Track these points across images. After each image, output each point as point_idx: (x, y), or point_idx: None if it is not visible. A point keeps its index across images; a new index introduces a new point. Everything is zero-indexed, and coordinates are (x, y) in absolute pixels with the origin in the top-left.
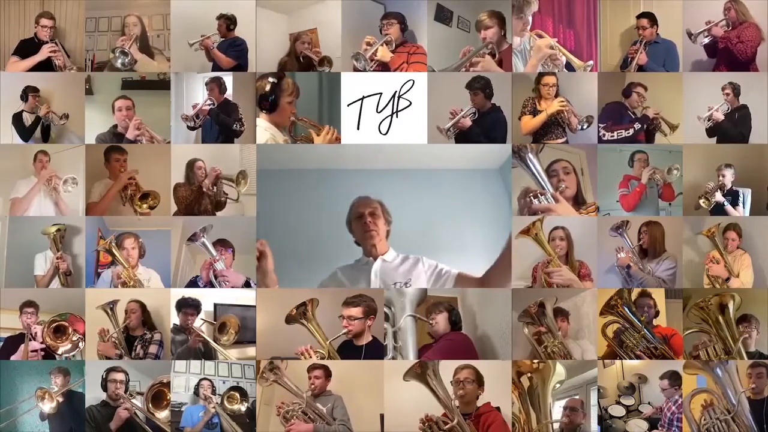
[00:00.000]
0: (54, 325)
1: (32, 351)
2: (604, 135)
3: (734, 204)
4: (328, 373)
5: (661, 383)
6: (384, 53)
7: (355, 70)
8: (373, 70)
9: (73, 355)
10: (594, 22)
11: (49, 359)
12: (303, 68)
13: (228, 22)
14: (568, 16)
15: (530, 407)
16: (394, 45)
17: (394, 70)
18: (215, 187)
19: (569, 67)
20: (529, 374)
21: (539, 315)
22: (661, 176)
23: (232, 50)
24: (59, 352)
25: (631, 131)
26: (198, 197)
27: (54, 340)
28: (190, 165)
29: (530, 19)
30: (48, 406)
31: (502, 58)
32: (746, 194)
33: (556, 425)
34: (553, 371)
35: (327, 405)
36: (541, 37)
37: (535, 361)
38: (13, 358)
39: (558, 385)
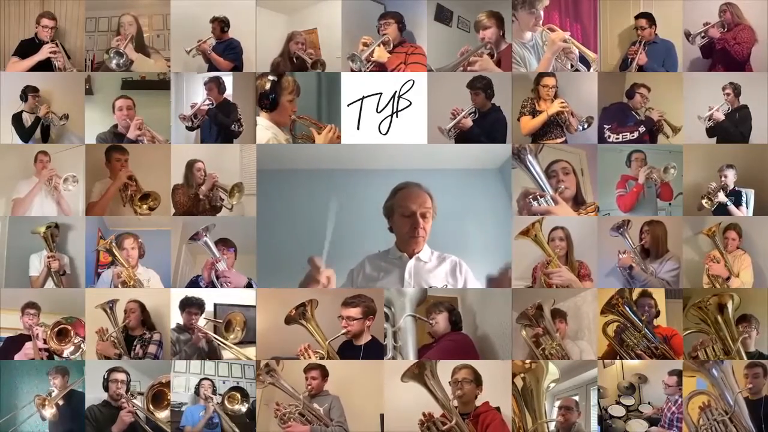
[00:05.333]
0: (57, 328)
1: (39, 349)
2: (609, 137)
3: (737, 204)
4: (324, 374)
5: (669, 379)
6: (381, 54)
7: (352, 71)
8: (370, 71)
9: (76, 356)
10: (595, 20)
11: (49, 359)
12: (296, 69)
13: (222, 24)
14: (574, 11)
15: (525, 407)
16: (391, 45)
17: (392, 71)
18: (211, 193)
19: (583, 60)
20: (522, 375)
21: (537, 317)
22: (658, 175)
23: (230, 52)
24: (64, 355)
25: (636, 134)
26: (196, 203)
27: (58, 343)
28: (190, 166)
29: (542, 13)
30: (48, 412)
31: (501, 57)
32: (749, 195)
33: (551, 424)
34: (546, 371)
35: (324, 405)
36: (553, 31)
37: (527, 361)
38: (17, 357)
39: (552, 385)
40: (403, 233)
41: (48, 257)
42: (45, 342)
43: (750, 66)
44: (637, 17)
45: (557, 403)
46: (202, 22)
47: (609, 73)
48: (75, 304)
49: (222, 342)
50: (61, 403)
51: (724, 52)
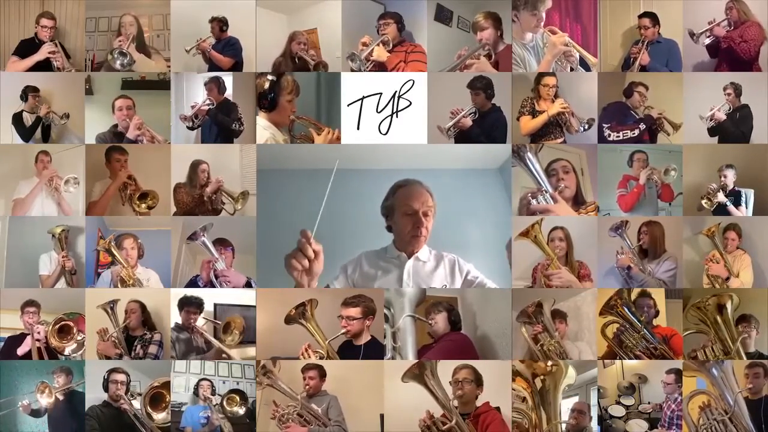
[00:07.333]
0: (58, 325)
1: (38, 348)
2: (609, 135)
3: (737, 204)
4: (322, 374)
5: (667, 377)
6: (380, 53)
7: (351, 70)
8: (370, 71)
9: (79, 355)
10: (596, 21)
11: (53, 358)
12: (298, 69)
13: (221, 24)
14: (574, 11)
15: (541, 408)
16: (391, 45)
17: (391, 70)
18: (215, 196)
19: (583, 64)
20: (542, 377)
21: (537, 314)
22: (659, 177)
23: (229, 49)
24: (66, 352)
25: (636, 132)
26: (199, 203)
27: (59, 340)
28: (194, 166)
29: (544, 15)
30: (46, 401)
31: (500, 58)
32: (749, 195)
33: (563, 426)
34: (564, 374)
35: (322, 405)
36: (554, 33)
37: (549, 363)
38: (20, 350)
39: (567, 388)
40: (405, 233)
41: (63, 257)
42: (47, 341)
43: (758, 65)
44: (640, 16)
45: (564, 404)
46: (202, 22)
47: (609, 73)
48: (75, 304)
49: (216, 344)
50: (60, 398)
51: (729, 51)
